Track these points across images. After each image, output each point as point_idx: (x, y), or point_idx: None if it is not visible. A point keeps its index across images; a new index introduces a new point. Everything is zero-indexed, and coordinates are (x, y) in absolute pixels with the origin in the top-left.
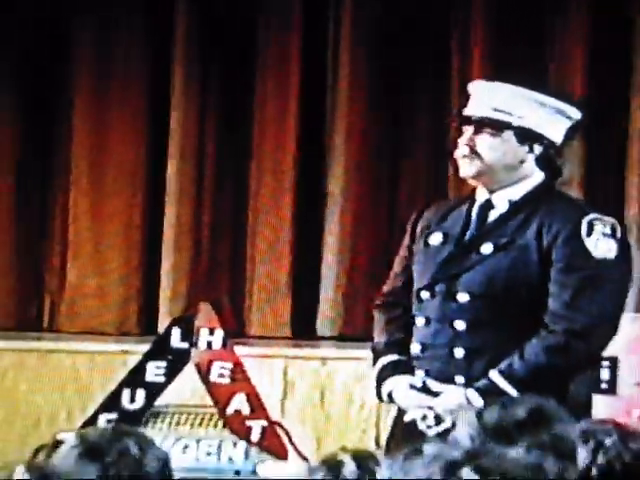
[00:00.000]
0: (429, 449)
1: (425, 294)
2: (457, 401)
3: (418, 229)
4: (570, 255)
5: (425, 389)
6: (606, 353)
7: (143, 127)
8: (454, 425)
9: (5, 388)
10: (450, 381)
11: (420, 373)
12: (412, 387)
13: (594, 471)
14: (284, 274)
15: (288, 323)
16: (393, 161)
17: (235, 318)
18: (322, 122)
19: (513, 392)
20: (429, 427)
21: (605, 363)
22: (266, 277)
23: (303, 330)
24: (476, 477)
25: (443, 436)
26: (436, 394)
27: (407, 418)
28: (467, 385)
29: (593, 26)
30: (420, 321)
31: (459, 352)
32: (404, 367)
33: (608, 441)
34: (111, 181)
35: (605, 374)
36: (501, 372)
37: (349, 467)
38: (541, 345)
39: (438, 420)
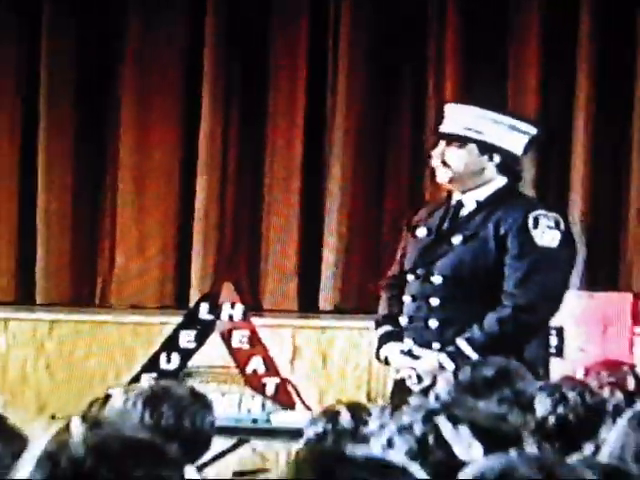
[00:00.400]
0: (413, 401)
1: (410, 276)
2: (433, 363)
3: (412, 225)
4: (520, 244)
5: (410, 353)
6: (555, 323)
7: (178, 128)
8: (434, 383)
9: (64, 353)
10: (428, 347)
11: (408, 341)
12: (401, 352)
13: (551, 420)
14: (292, 257)
15: (295, 299)
16: (382, 161)
17: (252, 295)
18: (325, 118)
19: (474, 355)
20: (413, 384)
21: (554, 332)
22: (278, 260)
23: (307, 304)
24: (448, 423)
25: (427, 392)
26: (417, 357)
27: (397, 377)
28: (440, 350)
29: (544, 52)
30: (407, 299)
31: (434, 323)
32: (396, 336)
33: (570, 395)
34: (151, 181)
35: (554, 341)
36: (465, 339)
37: (345, 416)
38: (496, 317)
39: (419, 379)
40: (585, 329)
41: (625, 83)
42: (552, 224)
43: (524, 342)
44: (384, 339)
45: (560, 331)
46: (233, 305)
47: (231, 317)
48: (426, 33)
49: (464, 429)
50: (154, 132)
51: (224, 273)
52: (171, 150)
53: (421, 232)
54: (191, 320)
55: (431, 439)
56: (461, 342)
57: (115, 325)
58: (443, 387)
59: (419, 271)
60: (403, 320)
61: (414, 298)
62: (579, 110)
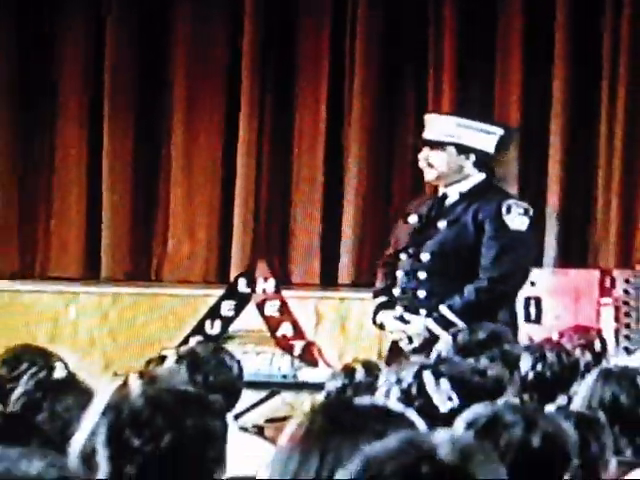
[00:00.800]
0: (413, 359)
1: (403, 255)
2: (420, 327)
3: (405, 213)
4: (494, 228)
5: (402, 319)
6: (534, 295)
7: (220, 131)
8: (422, 344)
9: (125, 321)
10: (417, 313)
11: (399, 308)
12: (394, 318)
13: (531, 375)
14: (315, 239)
15: (318, 274)
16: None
17: (282, 271)
18: (343, 108)
19: (456, 320)
20: (405, 345)
21: (533, 302)
22: (303, 241)
23: (328, 279)
24: (432, 377)
25: (417, 351)
26: (408, 322)
27: (391, 338)
28: (427, 316)
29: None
30: (400, 273)
31: (422, 294)
32: (390, 305)
33: (549, 354)
34: (197, 176)
35: (533, 309)
36: (447, 306)
37: (360, 372)
38: (473, 287)
39: (410, 340)
40: (560, 300)
41: (594, 95)
42: (522, 211)
43: (497, 308)
44: (380, 307)
45: (538, 302)
46: (266, 280)
47: (264, 290)
48: (427, 37)
49: (445, 382)
50: (201, 135)
51: (259, 253)
52: (214, 152)
53: (412, 219)
54: (231, 293)
55: (414, 390)
56: (443, 309)
57: (168, 297)
58: (444, 348)
59: (410, 250)
60: (396, 291)
61: (406, 273)
62: (555, 117)
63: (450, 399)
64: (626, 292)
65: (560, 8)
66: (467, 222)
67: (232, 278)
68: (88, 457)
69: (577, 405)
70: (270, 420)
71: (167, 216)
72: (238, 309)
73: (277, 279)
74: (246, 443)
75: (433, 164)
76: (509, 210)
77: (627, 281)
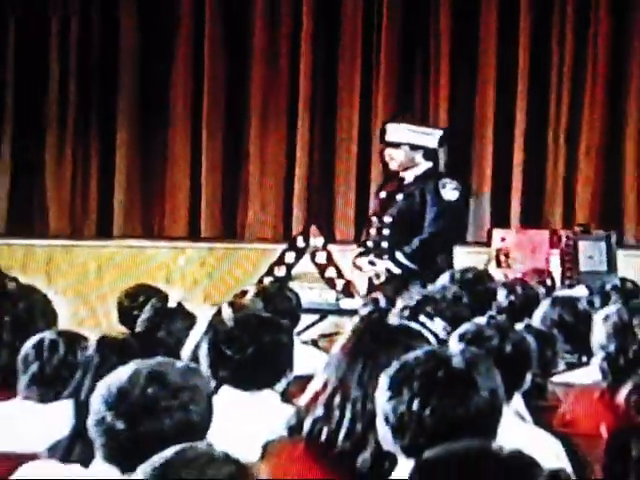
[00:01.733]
0: (413, 290)
1: (374, 218)
2: (383, 268)
3: (377, 190)
4: (433, 199)
5: (372, 262)
6: (504, 247)
7: (284, 121)
8: (387, 279)
9: (218, 267)
10: (381, 258)
11: (371, 256)
12: (368, 262)
13: (505, 303)
14: (351, 210)
15: (353, 235)
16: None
17: (328, 231)
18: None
19: (407, 263)
20: (375, 279)
21: (502, 253)
22: (343, 212)
23: (358, 238)
24: (426, 318)
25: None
26: (375, 264)
27: (366, 276)
28: (388, 259)
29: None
30: (372, 231)
31: (384, 244)
32: (365, 253)
33: (517, 288)
34: (269, 161)
35: (503, 258)
36: (401, 253)
37: (382, 301)
38: (418, 239)
39: (377, 276)
40: (522, 251)
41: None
42: (454, 187)
43: (436, 254)
44: (358, 255)
45: (507, 253)
46: (316, 238)
47: (315, 245)
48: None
49: (437, 320)
50: (271, 133)
51: (311, 217)
52: (280, 146)
53: (382, 194)
54: (292, 247)
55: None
56: (398, 254)
57: (248, 250)
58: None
59: (378, 215)
60: (369, 244)
61: (376, 231)
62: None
63: (445, 328)
64: (567, 246)
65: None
66: (416, 195)
67: (293, 237)
68: (194, 362)
69: (536, 323)
70: (322, 335)
71: (247, 194)
72: (297, 258)
73: (324, 237)
74: (306, 352)
75: (394, 158)
76: (444, 186)
77: (568, 238)
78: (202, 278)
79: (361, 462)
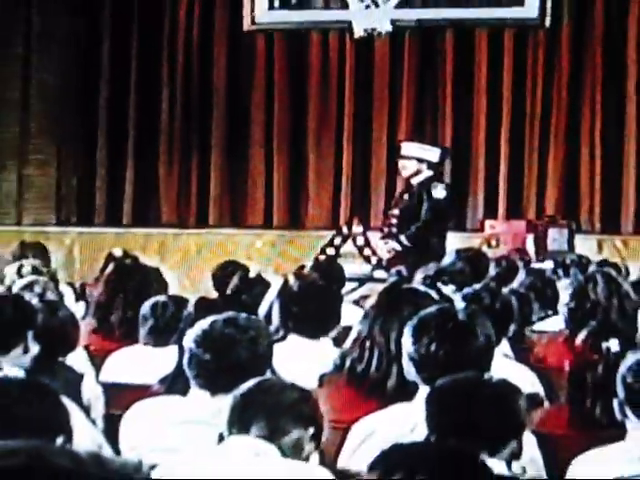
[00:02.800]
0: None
1: (390, 212)
2: (395, 245)
3: (398, 194)
4: (428, 198)
5: (385, 242)
6: (495, 233)
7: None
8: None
9: (285, 249)
10: (392, 239)
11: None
12: (383, 242)
13: (495, 271)
14: (382, 205)
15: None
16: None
17: (365, 221)
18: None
19: (407, 243)
20: (391, 254)
21: (494, 237)
22: (376, 205)
23: None
24: (442, 285)
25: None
26: (387, 243)
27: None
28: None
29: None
30: (393, 221)
31: (394, 230)
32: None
33: (503, 262)
34: (324, 166)
35: (494, 242)
36: (403, 236)
37: (404, 271)
38: (414, 226)
39: (389, 252)
40: (507, 236)
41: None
42: (443, 187)
43: (429, 238)
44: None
45: (497, 237)
46: (357, 225)
47: (356, 231)
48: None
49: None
50: (327, 142)
51: (354, 212)
52: (330, 154)
53: (401, 196)
54: (339, 233)
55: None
56: (401, 237)
57: (308, 236)
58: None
59: (393, 209)
60: (386, 229)
61: (392, 220)
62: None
63: (453, 291)
64: (539, 232)
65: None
66: (417, 195)
67: (340, 225)
68: (267, 319)
69: (516, 287)
70: (362, 297)
71: (307, 193)
72: (343, 241)
73: (363, 225)
74: (349, 309)
75: (405, 167)
76: (435, 187)
77: (540, 226)
78: (274, 256)
79: (389, 388)
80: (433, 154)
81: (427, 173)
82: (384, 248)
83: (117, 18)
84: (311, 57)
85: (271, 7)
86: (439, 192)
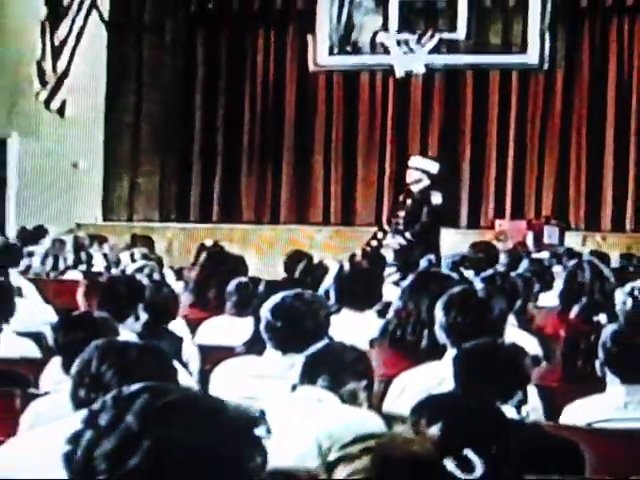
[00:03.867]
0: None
1: (397, 213)
2: (400, 241)
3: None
4: (427, 204)
5: (394, 238)
6: (503, 230)
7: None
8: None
9: (339, 241)
10: (399, 235)
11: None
12: (392, 237)
13: (504, 259)
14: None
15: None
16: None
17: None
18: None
19: (411, 238)
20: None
21: (503, 234)
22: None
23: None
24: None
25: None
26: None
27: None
28: (401, 237)
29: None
30: (400, 221)
31: (400, 228)
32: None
33: (512, 252)
34: (370, 176)
35: (503, 237)
36: (408, 233)
37: (433, 259)
38: (418, 226)
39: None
40: (513, 232)
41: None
42: (439, 194)
43: (427, 234)
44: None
45: (505, 233)
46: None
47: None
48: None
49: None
50: (372, 160)
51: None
52: (373, 170)
53: (404, 200)
54: (381, 229)
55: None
56: (406, 234)
57: (358, 230)
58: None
59: (399, 212)
60: (393, 229)
61: (399, 221)
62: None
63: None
64: (536, 229)
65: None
66: (417, 200)
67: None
68: (326, 296)
69: (521, 272)
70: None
71: (355, 197)
72: (384, 235)
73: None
74: (390, 288)
75: (412, 176)
76: (434, 195)
77: (537, 225)
78: (331, 247)
79: (422, 349)
80: (433, 167)
81: (427, 182)
82: (394, 242)
83: (209, 60)
84: (361, 92)
85: (331, 53)
86: (436, 199)
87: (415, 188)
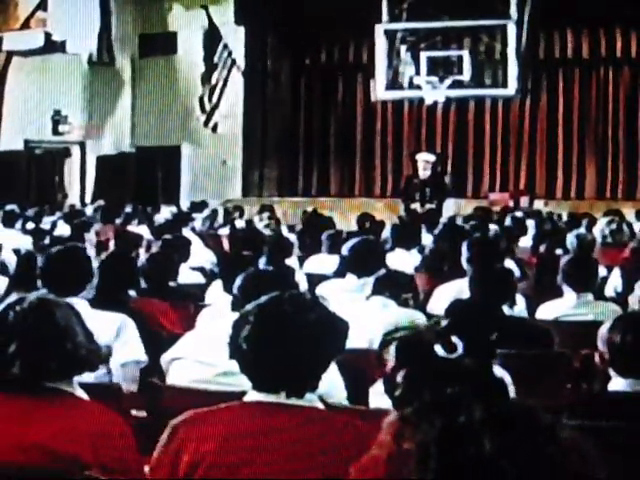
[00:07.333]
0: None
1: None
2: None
3: (409, 183)
4: (442, 182)
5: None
6: (495, 198)
7: None
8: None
9: (391, 209)
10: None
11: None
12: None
13: (508, 222)
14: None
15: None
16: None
17: None
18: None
19: (433, 206)
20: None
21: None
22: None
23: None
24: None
25: None
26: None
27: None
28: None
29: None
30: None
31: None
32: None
33: (500, 215)
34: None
35: (497, 208)
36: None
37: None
38: (440, 196)
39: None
40: (500, 200)
41: None
42: (449, 178)
43: (440, 203)
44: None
45: (495, 202)
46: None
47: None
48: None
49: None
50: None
51: None
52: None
53: (414, 181)
54: (407, 210)
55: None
56: (426, 204)
57: (388, 207)
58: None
59: (428, 189)
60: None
61: (429, 194)
62: None
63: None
64: (515, 199)
65: None
66: (437, 180)
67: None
68: (385, 241)
69: (507, 224)
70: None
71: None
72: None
73: None
74: (426, 235)
75: (425, 169)
76: (447, 178)
77: (516, 195)
78: (386, 210)
79: (448, 272)
80: (433, 157)
81: (429, 171)
82: (424, 209)
83: (309, 97)
84: (404, 115)
85: (387, 88)
86: (447, 179)
87: (423, 175)
